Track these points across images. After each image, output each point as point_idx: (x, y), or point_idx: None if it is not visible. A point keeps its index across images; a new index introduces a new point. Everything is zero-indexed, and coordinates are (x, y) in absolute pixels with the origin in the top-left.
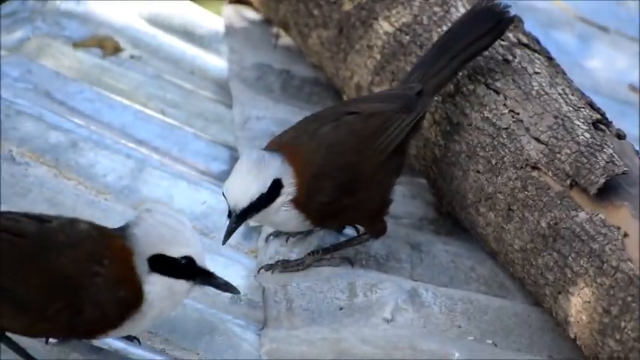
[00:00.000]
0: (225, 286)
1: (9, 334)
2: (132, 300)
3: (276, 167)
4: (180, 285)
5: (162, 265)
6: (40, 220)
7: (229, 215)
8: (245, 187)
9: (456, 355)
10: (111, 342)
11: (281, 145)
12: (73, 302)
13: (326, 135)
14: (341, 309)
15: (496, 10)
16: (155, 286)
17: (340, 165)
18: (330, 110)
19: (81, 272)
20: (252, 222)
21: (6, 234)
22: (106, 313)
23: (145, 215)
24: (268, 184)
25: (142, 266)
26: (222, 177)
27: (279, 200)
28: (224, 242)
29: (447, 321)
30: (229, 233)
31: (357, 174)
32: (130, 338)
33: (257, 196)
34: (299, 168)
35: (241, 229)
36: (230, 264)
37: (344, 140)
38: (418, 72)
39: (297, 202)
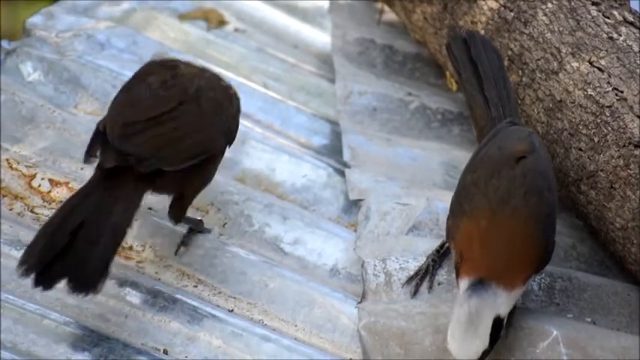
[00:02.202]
0: None
1: None
2: None
3: (490, 308)
4: None
5: None
6: None
7: None
8: (468, 348)
9: (554, 332)
10: (210, 310)
11: (487, 269)
12: None
13: (524, 184)
14: (440, 284)
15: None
16: None
17: (547, 208)
18: (498, 153)
19: None
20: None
21: None
22: None
23: None
24: (488, 335)
25: None
26: (323, 151)
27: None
28: None
29: (546, 298)
30: None
31: None
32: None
33: (481, 354)
34: (516, 270)
35: (342, 202)
36: (330, 237)
37: (539, 184)
38: (504, 110)
39: (528, 276)
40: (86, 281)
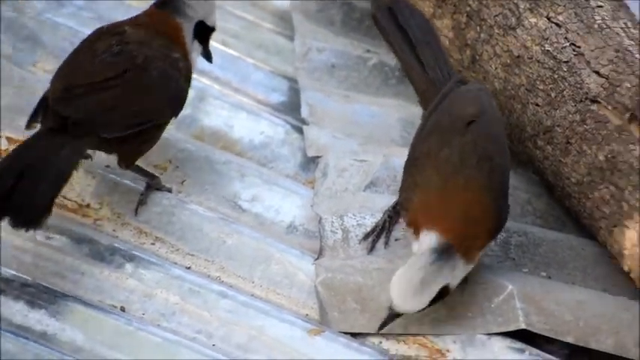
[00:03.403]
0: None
1: None
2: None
3: (447, 272)
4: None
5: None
6: None
7: (390, 309)
8: (411, 300)
9: (509, 287)
10: (168, 267)
11: (447, 226)
12: None
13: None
14: (397, 240)
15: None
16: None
17: (500, 175)
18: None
19: None
20: None
21: None
22: None
23: None
24: (434, 294)
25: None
26: (281, 108)
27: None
28: (378, 331)
29: (502, 253)
30: (383, 326)
31: None
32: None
33: (424, 307)
34: (473, 237)
35: (299, 159)
36: (287, 194)
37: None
38: (442, 68)
39: (482, 245)
40: (29, 217)
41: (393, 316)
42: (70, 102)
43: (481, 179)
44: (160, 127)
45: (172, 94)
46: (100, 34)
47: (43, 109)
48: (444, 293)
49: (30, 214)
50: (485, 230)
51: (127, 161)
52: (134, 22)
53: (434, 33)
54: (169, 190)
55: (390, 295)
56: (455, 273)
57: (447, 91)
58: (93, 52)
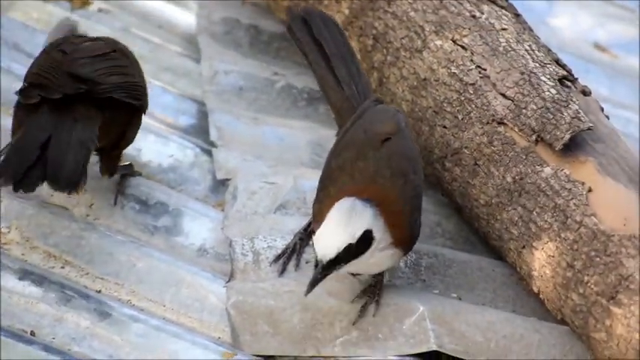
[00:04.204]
0: None
1: None
2: None
3: (368, 216)
4: None
5: None
6: None
7: (316, 265)
8: (333, 238)
9: (421, 308)
10: (78, 291)
11: (362, 189)
12: None
13: (390, 166)
14: (307, 262)
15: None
16: None
17: (413, 191)
18: (363, 136)
19: None
20: (342, 270)
21: None
22: None
23: None
24: (358, 235)
25: None
26: (189, 130)
27: (372, 248)
28: (307, 293)
29: (413, 275)
30: (314, 283)
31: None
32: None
33: (344, 247)
34: (390, 209)
35: (209, 182)
36: (197, 216)
37: (405, 166)
38: (357, 87)
39: (397, 242)
40: (67, 179)
41: (320, 268)
42: (82, 66)
43: (395, 189)
44: (142, 114)
45: (144, 81)
46: (61, 43)
47: (38, 85)
48: (367, 241)
49: (69, 177)
50: (400, 232)
51: (114, 162)
52: None
53: (349, 47)
54: (140, 174)
55: (314, 245)
56: (377, 225)
57: (364, 109)
58: (70, 42)
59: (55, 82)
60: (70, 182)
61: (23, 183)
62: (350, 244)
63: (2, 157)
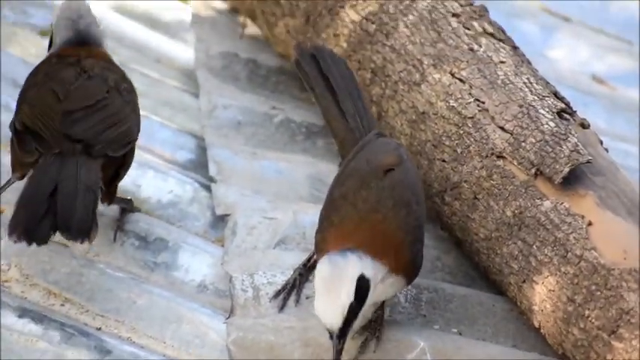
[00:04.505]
0: None
1: None
2: None
3: (352, 266)
4: None
5: None
6: None
7: (330, 337)
8: (332, 308)
9: (421, 344)
10: (79, 328)
11: (343, 235)
12: None
13: (392, 196)
14: (308, 298)
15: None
16: None
17: (415, 221)
18: (366, 166)
19: None
20: (356, 325)
21: None
22: None
23: None
24: (352, 290)
25: None
26: (188, 166)
27: (372, 288)
28: None
29: (413, 310)
30: (339, 353)
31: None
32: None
33: (347, 309)
34: (380, 242)
35: (208, 218)
36: (197, 252)
37: (407, 197)
38: (362, 118)
39: (395, 269)
40: (78, 228)
41: (336, 338)
42: (75, 124)
43: (398, 219)
44: (134, 149)
45: (137, 112)
46: (53, 65)
47: (34, 137)
48: (364, 287)
49: (80, 226)
50: (401, 259)
51: (112, 193)
52: (73, 53)
53: (355, 82)
54: (139, 210)
55: (317, 314)
56: (367, 265)
57: (366, 142)
58: (62, 80)
59: (51, 138)
60: (82, 230)
61: (35, 237)
62: (350, 303)
63: (13, 211)
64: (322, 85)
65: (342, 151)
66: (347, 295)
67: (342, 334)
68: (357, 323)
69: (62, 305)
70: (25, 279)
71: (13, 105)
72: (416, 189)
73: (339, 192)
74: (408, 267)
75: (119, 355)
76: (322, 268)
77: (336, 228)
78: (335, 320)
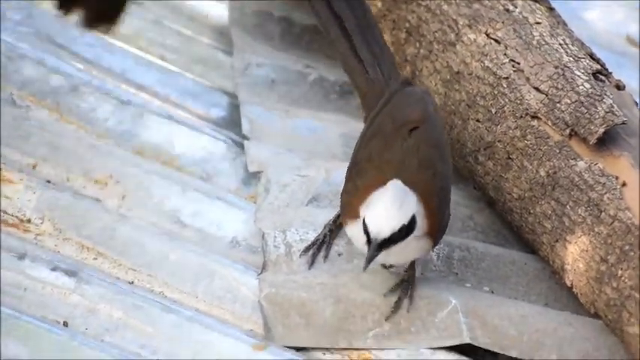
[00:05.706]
0: None
1: None
2: None
3: (413, 202)
4: None
5: None
6: None
7: (369, 242)
8: (389, 218)
9: (453, 301)
10: (111, 282)
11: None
12: None
13: (418, 157)
14: (340, 255)
15: None
16: None
17: (441, 182)
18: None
19: None
20: (380, 258)
21: None
22: None
23: None
24: (409, 217)
25: None
26: (221, 123)
27: (413, 234)
28: (365, 268)
29: (445, 268)
30: (369, 261)
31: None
32: None
33: (399, 227)
34: (425, 199)
35: (241, 174)
36: (229, 209)
37: (433, 157)
38: (383, 66)
39: (429, 231)
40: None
41: (375, 246)
42: None
43: (423, 182)
44: None
45: None
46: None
47: None
48: (411, 226)
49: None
50: (427, 223)
51: None
52: None
53: (373, 23)
54: None
55: (367, 224)
56: (419, 212)
57: (392, 94)
58: None
59: None
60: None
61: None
62: (403, 224)
63: None
64: (336, 28)
65: (365, 105)
66: (405, 217)
67: (380, 247)
68: (391, 257)
69: (95, 259)
70: (58, 233)
71: (48, 61)
72: (441, 145)
73: (362, 154)
74: (433, 230)
75: (151, 309)
76: (390, 187)
77: (362, 193)
78: (384, 229)
